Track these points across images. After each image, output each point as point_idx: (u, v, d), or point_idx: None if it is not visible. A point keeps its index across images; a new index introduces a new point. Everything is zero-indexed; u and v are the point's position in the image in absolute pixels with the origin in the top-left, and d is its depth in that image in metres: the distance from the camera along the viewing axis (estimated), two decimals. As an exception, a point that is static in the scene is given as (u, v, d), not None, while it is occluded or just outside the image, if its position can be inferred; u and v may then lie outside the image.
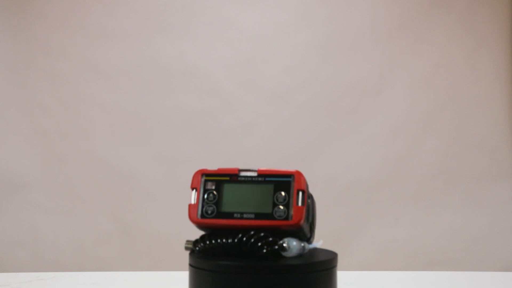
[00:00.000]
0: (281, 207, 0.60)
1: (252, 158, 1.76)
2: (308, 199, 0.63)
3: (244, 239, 0.59)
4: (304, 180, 0.61)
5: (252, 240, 0.58)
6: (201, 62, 1.81)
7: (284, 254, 0.58)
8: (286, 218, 0.59)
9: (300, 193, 0.60)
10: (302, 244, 0.60)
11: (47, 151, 1.81)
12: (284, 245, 0.58)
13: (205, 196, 0.63)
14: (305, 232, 0.63)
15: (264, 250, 0.58)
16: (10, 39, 1.82)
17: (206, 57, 1.81)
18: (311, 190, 0.65)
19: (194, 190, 0.63)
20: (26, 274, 1.13)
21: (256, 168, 0.63)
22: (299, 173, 0.61)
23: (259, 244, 0.58)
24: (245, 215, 0.61)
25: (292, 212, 0.59)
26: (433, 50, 1.79)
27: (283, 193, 0.60)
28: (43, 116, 1.81)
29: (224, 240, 0.60)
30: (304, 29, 1.81)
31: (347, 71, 1.80)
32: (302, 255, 0.60)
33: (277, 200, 0.60)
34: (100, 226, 1.78)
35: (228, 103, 1.81)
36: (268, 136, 1.80)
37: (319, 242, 0.64)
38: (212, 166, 0.67)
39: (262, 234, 0.59)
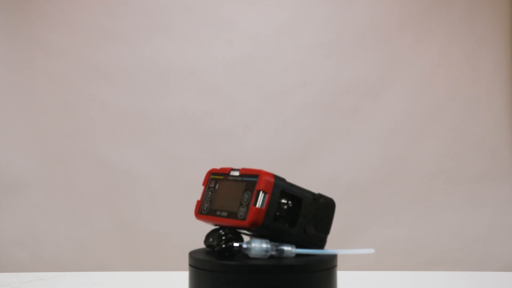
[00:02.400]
0: (244, 207, 0.59)
1: (252, 158, 1.76)
2: (289, 200, 0.61)
3: (214, 236, 0.60)
4: (270, 181, 0.59)
5: (218, 237, 0.59)
6: (201, 62, 1.81)
7: (247, 253, 0.58)
8: (244, 219, 0.59)
9: (261, 194, 0.59)
10: (268, 246, 0.58)
11: (47, 151, 1.81)
12: (236, 244, 0.58)
13: (207, 193, 0.66)
14: (290, 235, 0.61)
15: (223, 246, 0.58)
16: (10, 39, 1.82)
17: (206, 57, 1.81)
18: (313, 191, 0.65)
19: (204, 187, 0.66)
20: (26, 274, 1.13)
21: (248, 167, 0.63)
22: (263, 173, 0.60)
23: (221, 241, 0.59)
24: (222, 213, 0.62)
25: (247, 213, 0.59)
26: (433, 50, 1.79)
27: (248, 193, 0.60)
28: (43, 116, 1.81)
29: (208, 238, 0.62)
30: (304, 29, 1.80)
31: (347, 71, 1.80)
32: (281, 257, 0.59)
33: (243, 200, 0.60)
34: (100, 226, 1.78)
35: (228, 103, 1.81)
36: (268, 136, 1.80)
37: (368, 249, 0.63)
38: (212, 166, 0.67)
39: (223, 232, 0.59)
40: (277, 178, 0.60)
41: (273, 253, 0.59)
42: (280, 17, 1.81)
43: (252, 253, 0.58)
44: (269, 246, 0.59)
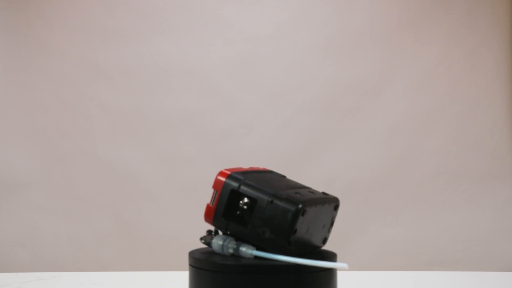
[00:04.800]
0: None
1: (252, 158, 1.76)
2: (245, 204, 0.60)
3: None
4: (220, 180, 0.61)
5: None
6: (201, 62, 1.81)
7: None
8: None
9: (214, 192, 0.61)
10: (225, 244, 0.60)
11: (47, 150, 1.81)
12: (203, 235, 0.63)
13: None
14: (246, 236, 0.60)
15: (202, 241, 0.62)
16: (10, 39, 1.82)
17: (206, 57, 1.81)
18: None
19: None
20: (26, 274, 1.13)
21: (243, 167, 0.65)
22: (220, 172, 0.62)
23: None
24: None
25: None
26: (433, 50, 1.79)
27: None
28: (43, 115, 1.81)
29: None
30: (304, 29, 1.80)
31: (347, 71, 1.80)
32: (240, 256, 0.59)
33: None
34: (100, 226, 1.78)
35: (228, 103, 1.80)
36: (268, 136, 1.80)
37: (342, 264, 0.56)
38: (212, 166, 0.68)
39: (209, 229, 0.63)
40: (231, 177, 0.61)
41: (231, 251, 0.60)
42: (280, 17, 1.81)
43: (213, 248, 0.61)
44: (226, 243, 0.60)
